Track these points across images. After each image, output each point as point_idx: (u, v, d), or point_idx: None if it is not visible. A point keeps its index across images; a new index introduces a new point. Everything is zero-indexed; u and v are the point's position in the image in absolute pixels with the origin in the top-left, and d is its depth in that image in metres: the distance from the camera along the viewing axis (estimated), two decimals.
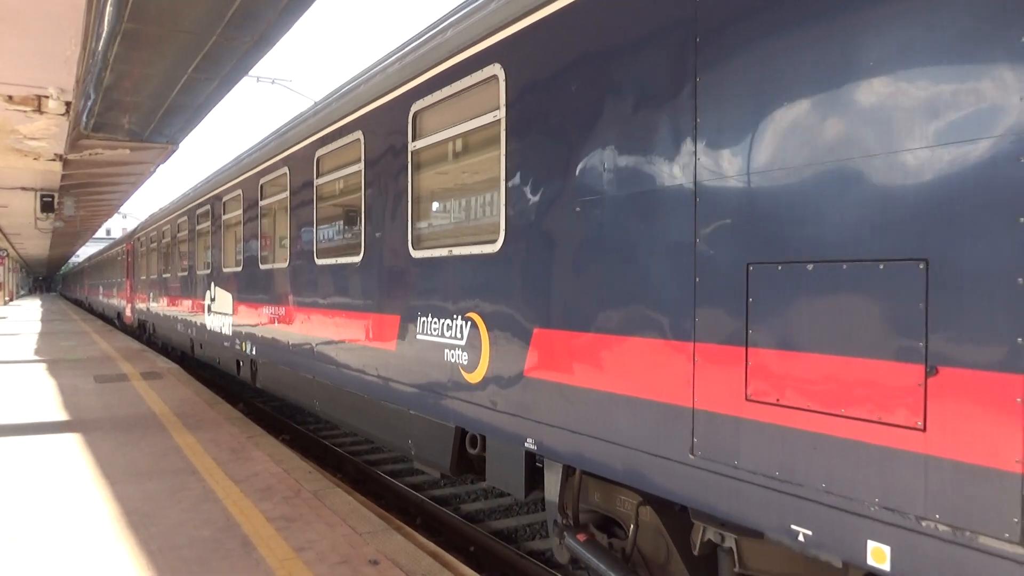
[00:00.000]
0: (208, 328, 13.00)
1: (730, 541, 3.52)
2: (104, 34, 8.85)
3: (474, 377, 5.11)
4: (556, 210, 4.32)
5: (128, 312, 24.98)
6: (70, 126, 13.45)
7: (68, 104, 12.20)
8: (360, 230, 6.89)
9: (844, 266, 2.79)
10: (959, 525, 2.45)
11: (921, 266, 2.55)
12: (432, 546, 5.55)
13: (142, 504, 6.03)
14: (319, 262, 7.91)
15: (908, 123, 2.59)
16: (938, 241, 2.50)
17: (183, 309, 15.44)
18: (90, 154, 16.21)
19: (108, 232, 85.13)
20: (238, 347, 11.16)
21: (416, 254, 5.93)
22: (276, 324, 9.35)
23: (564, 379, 4.24)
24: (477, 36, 5.10)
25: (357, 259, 6.96)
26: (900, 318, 2.60)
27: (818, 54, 2.87)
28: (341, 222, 7.60)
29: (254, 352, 10.38)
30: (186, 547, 5.08)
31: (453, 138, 5.53)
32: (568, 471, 4.55)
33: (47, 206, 23.59)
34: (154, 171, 20.31)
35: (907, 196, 2.59)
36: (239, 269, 11.08)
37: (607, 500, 4.44)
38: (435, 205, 5.96)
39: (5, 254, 52.11)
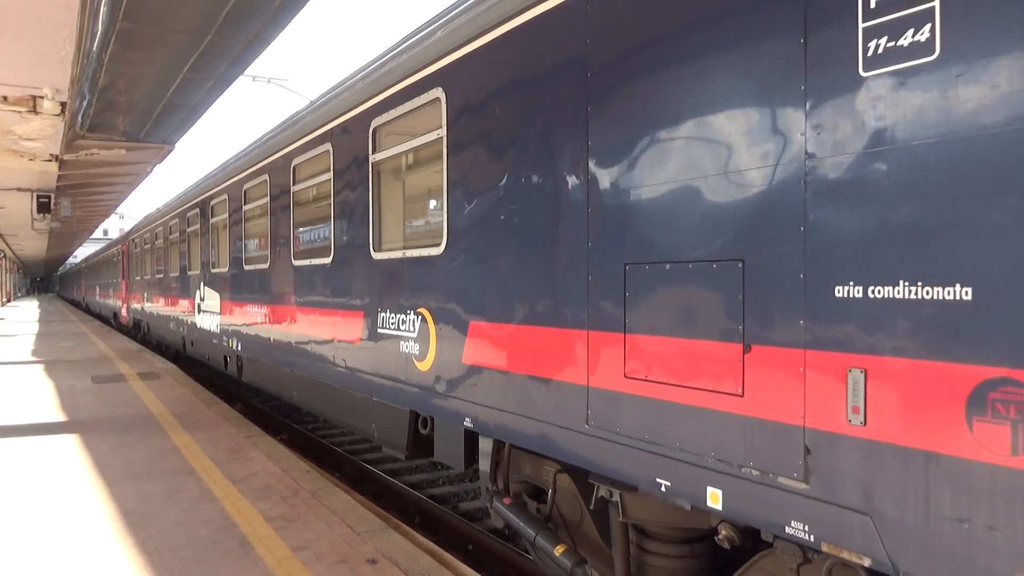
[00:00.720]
0: (198, 326, 13.58)
1: (616, 496, 4.11)
2: (99, 34, 8.82)
3: (424, 365, 5.72)
4: (486, 218, 4.95)
5: (124, 312, 25.63)
6: (66, 126, 13.41)
7: (63, 104, 12.17)
8: (330, 233, 7.47)
9: (690, 265, 3.42)
10: (766, 469, 3.10)
11: (739, 265, 3.19)
12: (430, 544, 5.55)
13: (140, 504, 6.03)
14: (295, 263, 8.50)
15: (728, 150, 3.26)
16: (749, 245, 3.15)
17: (175, 308, 15.99)
18: (86, 154, 16.17)
19: (105, 232, 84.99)
20: (226, 344, 11.71)
21: (376, 256, 6.52)
22: (259, 322, 9.91)
23: (493, 364, 4.89)
24: (425, 62, 5.73)
25: (328, 260, 7.54)
26: (726, 307, 3.25)
27: (671, 94, 3.54)
28: (314, 226, 8.17)
29: (240, 348, 10.95)
30: (184, 547, 5.08)
31: (406, 152, 6.17)
32: (499, 445, 5.22)
33: (43, 207, 23.53)
34: (150, 171, 20.27)
35: (729, 209, 3.25)
36: (225, 270, 11.66)
37: (534, 471, 5.08)
38: (392, 212, 6.51)
39: (2, 255, 52.01)
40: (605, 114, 3.94)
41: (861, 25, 2.75)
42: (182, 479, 6.78)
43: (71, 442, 8.29)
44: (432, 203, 5.91)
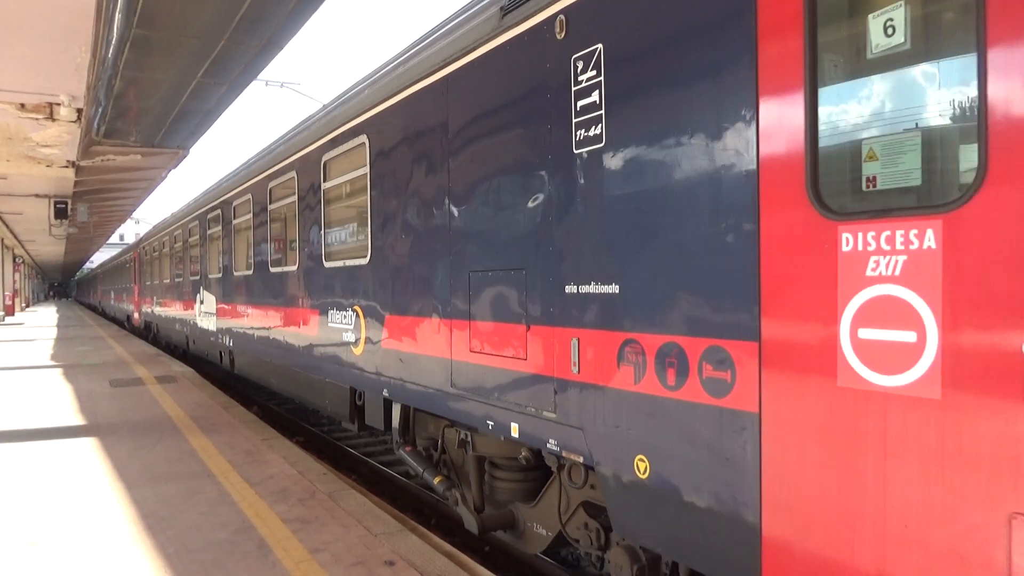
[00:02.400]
0: (199, 326, 15.33)
1: (468, 436, 5.72)
2: (114, 41, 8.89)
3: (358, 351, 7.28)
4: (394, 237, 6.49)
5: (136, 315, 27.19)
6: (82, 133, 13.55)
7: (79, 111, 12.29)
8: (296, 246, 9.12)
9: (501, 272, 4.94)
10: (537, 407, 4.59)
11: (524, 272, 4.70)
12: (447, 546, 5.55)
13: (158, 507, 6.07)
14: (272, 270, 10.14)
15: (516, 197, 4.79)
16: (527, 260, 4.66)
17: (180, 311, 17.75)
18: (102, 160, 16.32)
19: (122, 238, 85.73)
20: (220, 341, 13.38)
21: (327, 264, 8.08)
22: (245, 320, 11.61)
23: (399, 347, 6.40)
24: (356, 113, 7.25)
25: (294, 268, 9.20)
26: (518, 300, 4.75)
27: (487, 157, 5.10)
28: (285, 239, 9.78)
29: (231, 344, 12.59)
30: (203, 550, 5.11)
31: (346, 183, 7.66)
32: (406, 409, 6.63)
33: (61, 212, 23.78)
34: (165, 176, 20.42)
35: (518, 236, 4.76)
36: (219, 276, 13.38)
37: (433, 428, 6.50)
38: (337, 229, 7.99)
39: (21, 261, 52.58)
40: (457, 166, 5.47)
41: (573, 121, 4.30)
42: (200, 482, 6.82)
43: (90, 446, 8.37)
44: (362, 224, 7.29)
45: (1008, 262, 2.46)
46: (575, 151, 4.26)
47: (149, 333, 24.60)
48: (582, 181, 4.21)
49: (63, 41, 8.51)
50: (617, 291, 3.95)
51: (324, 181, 8.09)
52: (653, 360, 3.74)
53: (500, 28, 4.96)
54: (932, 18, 2.83)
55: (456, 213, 5.45)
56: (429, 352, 5.84)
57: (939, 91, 2.79)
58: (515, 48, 4.82)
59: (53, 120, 12.55)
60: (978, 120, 2.56)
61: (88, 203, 25.09)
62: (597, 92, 4.14)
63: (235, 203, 12.17)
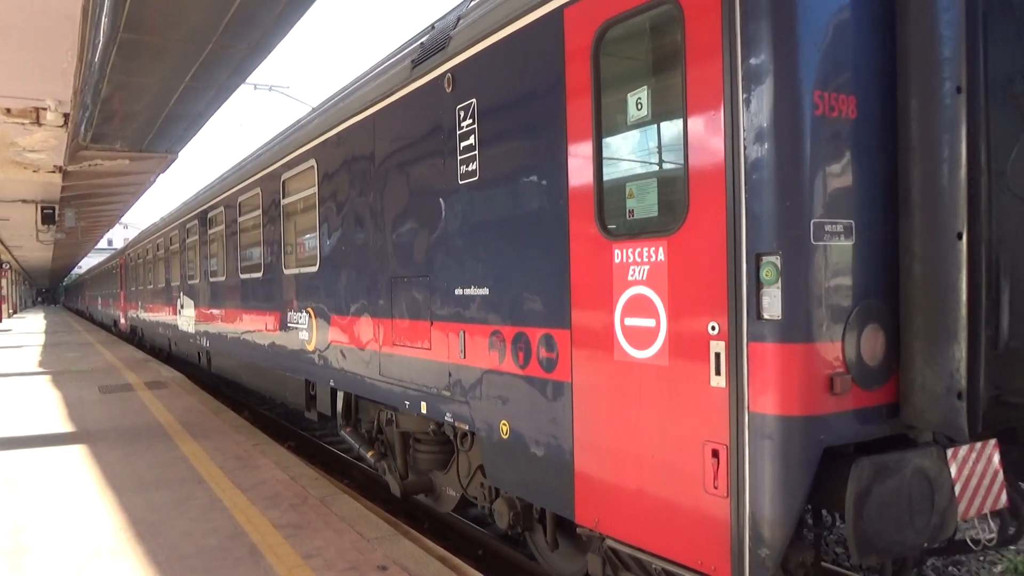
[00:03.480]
0: (179, 329, 16.35)
1: (391, 415, 6.73)
2: (100, 45, 8.83)
3: (311, 347, 8.26)
4: (336, 248, 7.51)
5: (123, 320, 28.19)
6: (69, 138, 13.44)
7: (66, 116, 12.18)
8: (261, 254, 10.09)
9: (412, 279, 5.99)
10: (438, 387, 5.61)
11: (428, 279, 5.72)
12: (441, 551, 5.53)
13: (149, 514, 6.02)
14: (242, 276, 11.10)
15: (421, 219, 5.86)
16: (431, 268, 5.70)
17: (162, 315, 18.76)
18: (90, 165, 16.19)
19: (110, 243, 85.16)
20: (199, 342, 14.39)
21: (286, 271, 9.07)
22: (219, 322, 12.60)
23: (341, 343, 7.41)
24: (306, 140, 8.34)
25: (260, 274, 10.12)
26: (424, 301, 5.79)
27: (402, 184, 6.18)
28: (253, 248, 10.69)
29: (208, 345, 13.62)
30: (194, 557, 5.07)
31: (300, 200, 8.62)
32: (349, 396, 7.60)
33: (48, 218, 23.56)
34: (154, 180, 20.28)
35: (424, 249, 5.80)
36: (197, 281, 14.36)
37: (373, 412, 7.32)
38: (294, 240, 8.97)
39: (8, 267, 52.15)
40: (381, 189, 6.53)
41: (458, 159, 5.33)
42: (191, 488, 6.78)
43: (80, 453, 8.30)
44: (313, 236, 8.21)
45: (700, 271, 3.56)
46: (459, 183, 5.34)
47: (135, 337, 25.31)
48: (464, 207, 5.28)
49: (49, 45, 8.44)
50: (487, 293, 5.06)
51: (283, 197, 9.19)
52: (510, 346, 4.84)
53: (411, 78, 6.04)
54: (659, 98, 3.93)
55: (380, 228, 6.55)
56: (363, 346, 6.94)
57: (666, 151, 3.97)
58: (420, 96, 5.90)
59: (39, 125, 12.43)
60: (685, 173, 3.66)
61: (76, 208, 24.88)
62: (473, 136, 5.21)
63: (210, 214, 13.19)
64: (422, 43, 6.17)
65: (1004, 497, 3.89)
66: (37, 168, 17.23)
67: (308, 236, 8.49)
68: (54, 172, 17.48)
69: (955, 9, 3.36)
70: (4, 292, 49.36)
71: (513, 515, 5.21)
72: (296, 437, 11.66)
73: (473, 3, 5.64)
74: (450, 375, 5.46)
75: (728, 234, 3.47)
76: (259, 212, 10.08)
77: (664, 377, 3.77)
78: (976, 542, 4.08)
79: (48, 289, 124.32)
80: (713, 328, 3.54)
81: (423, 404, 5.85)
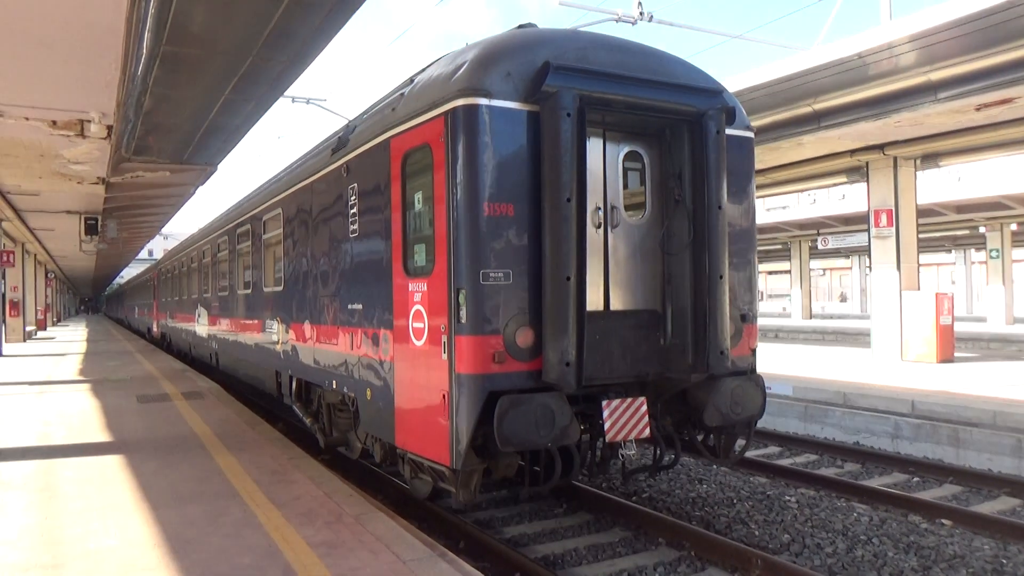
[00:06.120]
0: (197, 335, 19.19)
1: (319, 391, 9.38)
2: (143, 57, 8.90)
3: (279, 347, 10.79)
4: (292, 273, 10.05)
5: (155, 327, 31.45)
6: (111, 149, 13.60)
7: (109, 128, 12.32)
8: (251, 276, 12.79)
9: (329, 296, 8.52)
10: (340, 370, 8.22)
11: (336, 297, 8.33)
12: (478, 574, 5.35)
13: (183, 529, 5.95)
14: (238, 292, 13.85)
15: (331, 253, 8.60)
16: (337, 290, 8.29)
17: (184, 323, 21.73)
18: (131, 177, 16.42)
19: (151, 253, 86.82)
20: (210, 345, 17.33)
21: (265, 290, 11.78)
22: (224, 329, 15.42)
23: (295, 342, 9.94)
24: (275, 193, 11.14)
25: (250, 292, 12.85)
26: (334, 312, 8.38)
27: (327, 231, 8.84)
28: (246, 270, 13.41)
29: (216, 347, 16.51)
30: (228, 575, 4.96)
31: (272, 236, 11.29)
32: (302, 382, 10.09)
33: (91, 229, 23.99)
34: (194, 192, 20.53)
35: (336, 277, 8.39)
36: (209, 295, 17.17)
37: (315, 392, 9.67)
38: (270, 266, 11.62)
39: (53, 276, 53.39)
40: (313, 236, 9.17)
41: (348, 221, 7.89)
42: (226, 503, 6.70)
43: (117, 463, 8.30)
44: (280, 263, 10.80)
45: (439, 296, 6.13)
46: (349, 235, 7.91)
47: (164, 342, 28.60)
48: (351, 251, 7.88)
49: (93, 58, 8.53)
50: (361, 307, 7.64)
51: (264, 233, 11.85)
52: (369, 340, 7.41)
53: (330, 162, 8.60)
54: (423, 196, 6.53)
55: (314, 260, 9.11)
56: (305, 344, 9.52)
57: (425, 228, 6.50)
58: (333, 175, 8.43)
59: (84, 137, 12.60)
60: (433, 243, 6.21)
61: (117, 219, 25.31)
62: (356, 206, 7.75)
63: (218, 241, 16.07)
64: (339, 137, 8.61)
65: (647, 431, 6.57)
66: (81, 180, 17.51)
67: (277, 263, 11.00)
68: (97, 183, 17.75)
69: (569, 155, 5.89)
70: (49, 301, 50.51)
71: (383, 453, 7.71)
72: (330, 450, 11.57)
73: (364, 115, 8.22)
74: (346, 361, 8.04)
75: (448, 276, 6.00)
76: (249, 243, 13.01)
77: (426, 355, 6.33)
78: (629, 460, 7.09)
79: (91, 298, 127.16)
80: (443, 327, 6.08)
81: (335, 382, 8.41)
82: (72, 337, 38.91)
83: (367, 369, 7.42)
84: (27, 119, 11.78)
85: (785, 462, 10.82)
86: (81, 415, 11.78)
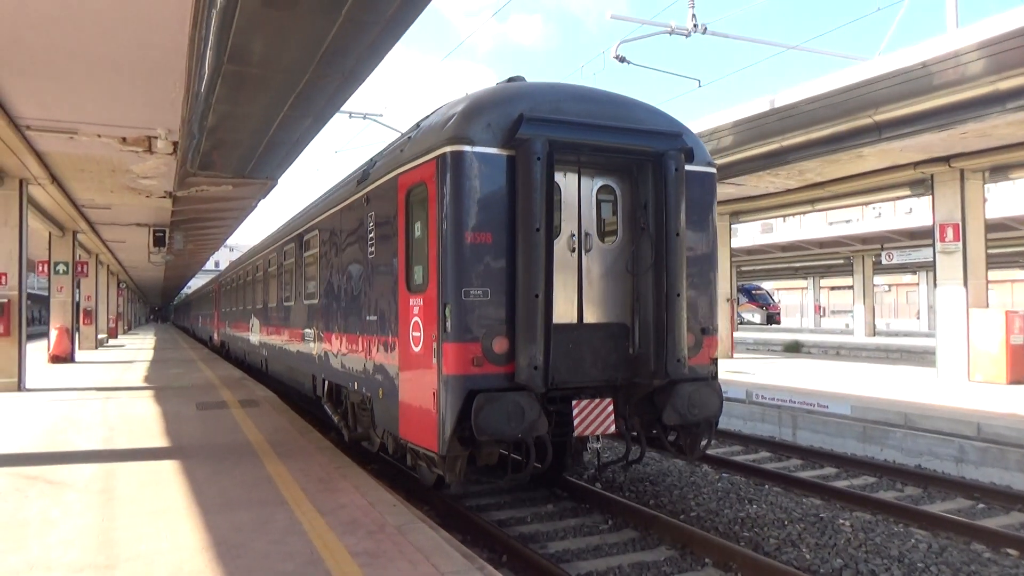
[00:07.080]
0: (251, 342, 20.79)
1: (346, 392, 10.36)
2: (205, 76, 9.25)
3: (314, 353, 12.01)
4: (326, 288, 11.14)
5: (216, 336, 33.59)
6: (177, 164, 14.15)
7: (175, 144, 12.82)
8: (294, 289, 14.07)
9: (355, 310, 9.72)
10: (361, 373, 9.42)
11: (361, 310, 9.44)
12: None
13: (231, 534, 6.10)
14: (284, 304, 15.18)
15: (355, 271, 9.85)
16: (362, 304, 9.41)
17: (241, 332, 23.28)
18: (196, 191, 17.03)
19: (216, 264, 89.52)
20: (261, 352, 18.75)
21: (305, 302, 12.87)
22: (272, 337, 16.89)
23: (328, 349, 11.01)
24: (312, 217, 12.56)
25: (292, 303, 14.17)
26: (358, 323, 9.52)
27: (350, 250, 10.26)
28: (289, 284, 14.76)
29: (266, 354, 17.85)
30: None
31: (310, 254, 12.54)
32: (332, 384, 11.10)
33: (159, 240, 24.93)
34: (255, 205, 21.14)
35: (360, 292, 9.58)
36: (260, 307, 18.75)
37: (343, 392, 10.59)
38: (307, 281, 12.85)
39: (124, 286, 55.61)
40: (344, 255, 10.28)
41: (368, 244, 9.19)
42: (273, 510, 6.85)
43: (173, 468, 8.57)
44: (316, 279, 12.00)
45: (432, 309, 7.24)
46: (369, 256, 9.02)
47: (224, 349, 30.54)
48: (370, 270, 8.93)
49: (158, 77, 8.91)
50: (376, 319, 8.70)
51: (305, 251, 13.01)
52: (382, 347, 8.40)
53: (355, 192, 9.75)
54: (421, 225, 7.64)
55: (343, 276, 10.22)
56: (334, 351, 10.64)
57: (421, 252, 7.65)
58: (357, 203, 9.57)
59: (151, 153, 13.17)
60: (427, 264, 7.40)
61: (184, 231, 26.23)
62: (373, 232, 8.85)
63: (268, 256, 17.59)
64: (363, 171, 9.76)
65: (613, 428, 7.47)
66: (149, 193, 18.25)
67: (314, 279, 12.17)
68: (164, 197, 18.46)
69: (539, 192, 6.89)
70: (120, 310, 52.60)
71: (394, 445, 8.59)
72: (378, 460, 11.73)
73: (383, 152, 9.40)
74: (365, 365, 9.09)
75: (438, 293, 7.08)
76: (292, 260, 14.25)
77: (422, 359, 7.37)
78: (596, 454, 8.35)
79: (160, 307, 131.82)
80: (434, 336, 7.11)
81: (356, 383, 9.49)
82: (140, 345, 40.40)
83: (380, 372, 8.54)
84: (99, 136, 12.37)
85: (841, 484, 10.48)
86: (142, 420, 12.21)
